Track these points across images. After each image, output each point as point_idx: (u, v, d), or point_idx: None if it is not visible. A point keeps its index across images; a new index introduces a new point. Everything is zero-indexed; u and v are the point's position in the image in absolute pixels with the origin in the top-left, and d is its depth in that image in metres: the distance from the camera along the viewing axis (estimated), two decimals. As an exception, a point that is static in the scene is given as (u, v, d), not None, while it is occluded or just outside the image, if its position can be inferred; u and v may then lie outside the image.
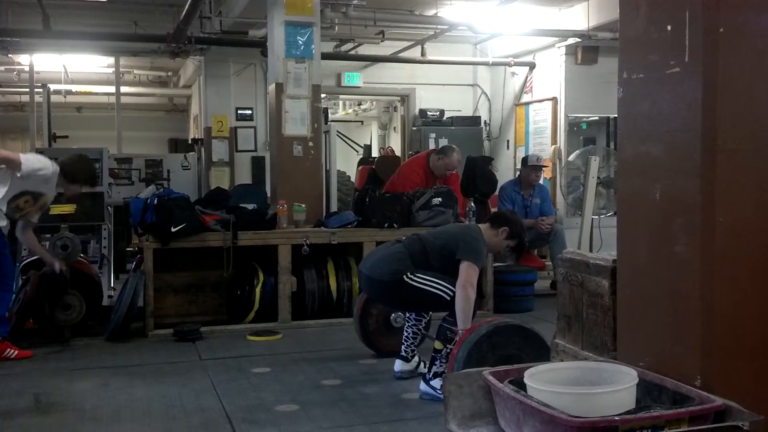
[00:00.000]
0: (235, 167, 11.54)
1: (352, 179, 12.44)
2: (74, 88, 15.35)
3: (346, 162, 14.14)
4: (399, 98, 12.82)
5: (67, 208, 6.46)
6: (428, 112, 11.78)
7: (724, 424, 2.20)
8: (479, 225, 5.07)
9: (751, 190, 2.42)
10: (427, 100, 12.10)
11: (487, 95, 12.35)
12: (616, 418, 2.15)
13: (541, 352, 4.01)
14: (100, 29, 10.71)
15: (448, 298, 4.60)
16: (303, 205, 7.00)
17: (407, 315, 5.09)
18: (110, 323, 6.25)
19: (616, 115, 2.84)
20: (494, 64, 11.72)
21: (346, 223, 6.96)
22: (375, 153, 14.74)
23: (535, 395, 2.31)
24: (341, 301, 6.83)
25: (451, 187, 7.40)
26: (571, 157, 8.74)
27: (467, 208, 7.40)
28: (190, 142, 13.69)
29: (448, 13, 9.90)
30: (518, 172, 9.08)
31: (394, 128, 13.98)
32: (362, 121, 17.39)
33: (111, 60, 13.34)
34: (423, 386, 4.64)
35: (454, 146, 7.87)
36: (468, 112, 12.25)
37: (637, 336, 2.69)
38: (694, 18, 2.41)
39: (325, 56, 8.91)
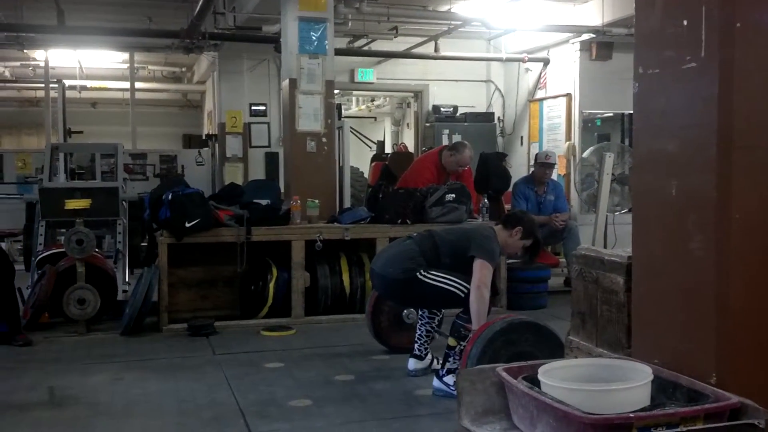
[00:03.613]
0: (248, 163, 11.56)
1: (366, 175, 12.44)
2: (89, 83, 15.44)
3: (359, 158, 14.13)
4: (412, 94, 12.80)
5: (83, 203, 6.50)
6: (441, 108, 11.75)
7: (739, 422, 2.18)
8: (492, 227, 5.04)
9: (766, 187, 2.40)
10: (440, 96, 12.07)
11: (500, 91, 12.31)
12: (631, 415, 2.14)
13: (555, 349, 3.99)
14: (115, 25, 10.74)
15: (462, 295, 4.59)
16: (316, 201, 7.00)
17: (420, 313, 5.09)
18: (124, 318, 6.28)
19: (631, 112, 2.83)
20: (508, 60, 11.68)
21: (359, 219, 6.96)
22: (388, 149, 14.73)
23: (549, 392, 2.30)
24: (354, 296, 6.83)
25: (464, 183, 7.38)
26: (586, 154, 8.70)
27: (480, 205, 7.38)
28: (203, 137, 13.75)
29: (461, 9, 9.88)
30: (532, 169, 9.05)
31: (408, 124, 13.97)
32: (375, 117, 17.39)
33: (125, 56, 13.41)
34: (436, 382, 4.64)
35: (466, 142, 7.85)
36: (481, 108, 12.21)
37: (652, 333, 2.67)
38: (710, 13, 2.39)
39: (339, 52, 8.91)
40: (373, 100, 15.67)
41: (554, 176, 8.95)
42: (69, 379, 5.01)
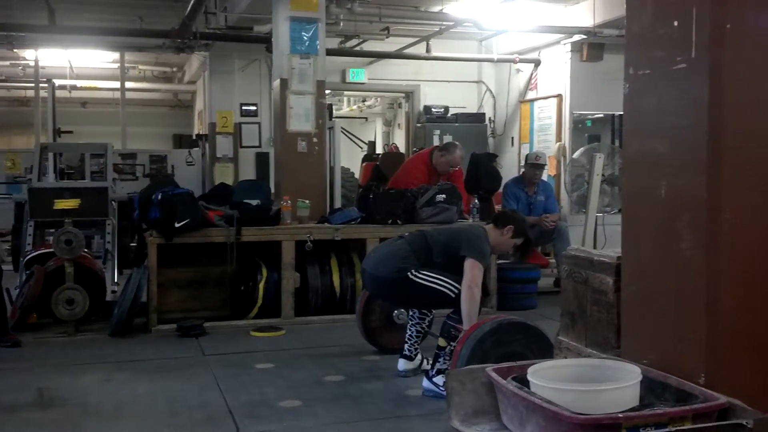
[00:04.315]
0: (239, 163, 11.53)
1: (356, 176, 12.44)
2: (79, 83, 15.38)
3: (350, 158, 14.13)
4: (403, 95, 12.80)
5: (72, 203, 6.47)
6: (433, 109, 11.76)
7: (727, 422, 2.19)
8: (483, 226, 5.04)
9: (756, 187, 2.41)
10: (431, 96, 12.08)
11: (491, 92, 12.32)
12: (620, 415, 2.14)
13: (545, 350, 4.00)
14: (105, 24, 10.71)
15: (453, 295, 4.59)
16: (307, 201, 6.99)
17: (410, 314, 5.08)
18: (113, 318, 6.25)
19: (622, 113, 2.82)
20: (499, 60, 11.69)
21: (349, 219, 6.95)
22: (379, 149, 14.73)
23: (538, 392, 2.30)
24: (344, 297, 6.82)
25: (455, 183, 7.38)
26: (576, 155, 8.72)
27: (471, 205, 7.38)
28: (194, 137, 13.72)
29: (453, 10, 9.88)
30: (522, 170, 9.07)
31: (399, 125, 13.96)
32: (366, 118, 17.39)
33: (116, 55, 13.36)
34: (426, 383, 4.63)
35: (457, 143, 7.85)
36: (472, 108, 12.22)
37: (641, 333, 2.68)
38: (700, 14, 2.40)
39: (330, 52, 8.90)
40: (364, 101, 15.66)
41: (544, 177, 8.96)
42: (58, 380, 4.98)
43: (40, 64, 13.20)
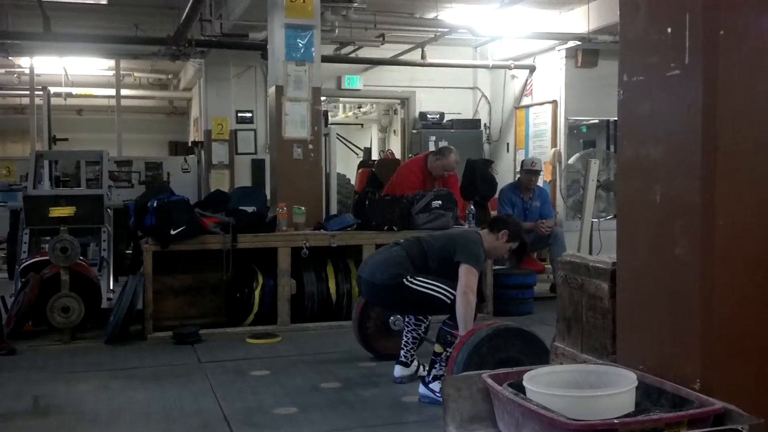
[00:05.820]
0: (235, 170, 11.54)
1: (352, 182, 12.44)
2: (74, 90, 15.39)
3: (346, 165, 14.11)
4: (399, 101, 12.82)
5: (67, 211, 6.45)
6: (428, 115, 11.78)
7: (723, 427, 2.19)
8: (478, 231, 5.05)
9: (751, 192, 2.41)
10: (427, 102, 12.10)
11: (487, 98, 12.35)
12: (616, 421, 2.14)
13: (541, 355, 4.00)
14: (101, 32, 10.72)
15: (449, 302, 4.59)
16: (302, 208, 6.99)
17: (406, 320, 5.08)
18: (109, 326, 6.24)
19: (616, 118, 2.83)
20: (494, 67, 11.72)
21: (345, 225, 6.95)
22: (375, 156, 14.73)
23: (534, 398, 2.30)
24: (341, 303, 6.82)
25: (450, 189, 7.39)
26: (571, 160, 8.74)
27: (467, 211, 7.39)
28: (190, 144, 13.72)
29: (448, 16, 9.90)
30: (518, 176, 9.08)
31: (394, 131, 13.98)
32: (362, 124, 17.39)
33: (111, 63, 13.37)
34: (422, 389, 4.63)
35: (452, 147, 7.87)
36: (468, 115, 12.25)
37: (637, 339, 2.68)
38: (694, 20, 2.40)
39: (326, 59, 8.91)
40: (359, 107, 15.69)
41: (540, 183, 8.97)
42: (53, 388, 4.97)
43: (36, 71, 13.20)
